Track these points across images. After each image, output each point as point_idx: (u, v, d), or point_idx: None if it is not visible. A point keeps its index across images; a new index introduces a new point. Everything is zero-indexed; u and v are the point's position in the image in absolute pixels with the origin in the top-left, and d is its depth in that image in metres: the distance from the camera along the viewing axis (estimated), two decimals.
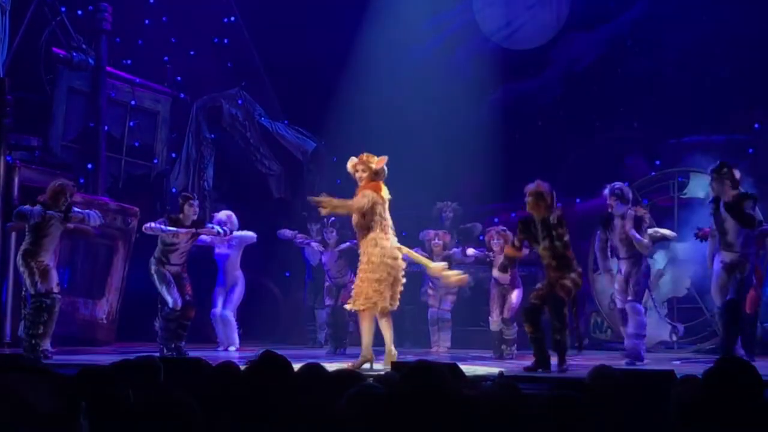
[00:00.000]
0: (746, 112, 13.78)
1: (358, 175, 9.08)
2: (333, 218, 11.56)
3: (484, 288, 12.51)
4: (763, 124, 13.75)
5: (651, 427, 4.19)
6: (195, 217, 10.73)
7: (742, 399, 3.73)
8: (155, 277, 10.54)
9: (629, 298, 9.82)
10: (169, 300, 10.45)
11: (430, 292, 12.46)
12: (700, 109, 13.42)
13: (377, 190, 8.99)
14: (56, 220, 9.88)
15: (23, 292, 10.15)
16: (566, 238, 9.01)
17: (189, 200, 10.77)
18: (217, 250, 12.02)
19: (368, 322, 9.02)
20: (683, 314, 12.42)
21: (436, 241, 12.26)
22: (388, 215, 9.07)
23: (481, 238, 12.64)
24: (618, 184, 9.86)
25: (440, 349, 12.26)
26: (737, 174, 9.27)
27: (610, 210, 9.66)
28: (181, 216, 10.63)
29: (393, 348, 9.08)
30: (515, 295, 11.27)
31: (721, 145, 12.88)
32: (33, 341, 9.73)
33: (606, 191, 9.71)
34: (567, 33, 15.43)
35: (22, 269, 9.91)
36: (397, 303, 9.14)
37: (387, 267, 8.93)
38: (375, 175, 9.05)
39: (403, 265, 9.16)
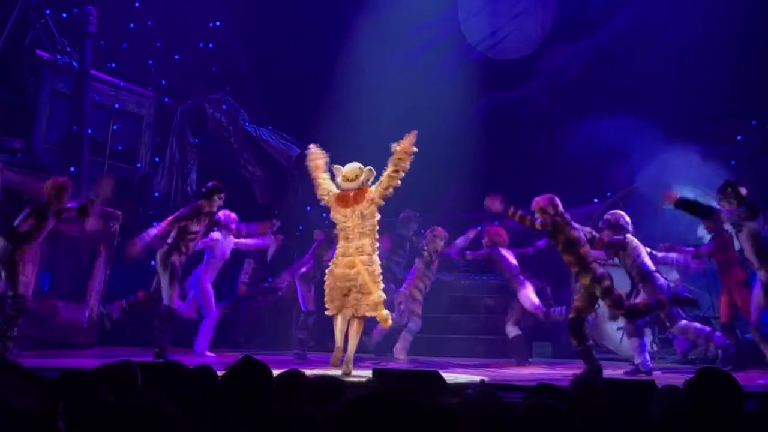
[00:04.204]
0: (729, 124, 13.85)
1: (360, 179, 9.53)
2: None
3: (459, 296, 12.50)
4: (745, 135, 13.82)
5: None
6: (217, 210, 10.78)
7: (724, 410, 3.74)
8: (169, 268, 10.42)
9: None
10: (166, 296, 10.36)
11: (418, 297, 12.18)
12: (683, 120, 13.45)
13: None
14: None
15: None
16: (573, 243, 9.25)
17: (221, 192, 10.77)
18: (224, 250, 11.85)
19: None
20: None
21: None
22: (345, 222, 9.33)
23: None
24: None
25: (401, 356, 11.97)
26: (743, 191, 9.27)
27: None
28: (206, 206, 10.59)
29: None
30: (523, 297, 11.47)
31: (704, 156, 12.91)
32: (6, 343, 9.58)
33: None
34: (551, 43, 15.48)
35: (9, 267, 9.74)
36: None
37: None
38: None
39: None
